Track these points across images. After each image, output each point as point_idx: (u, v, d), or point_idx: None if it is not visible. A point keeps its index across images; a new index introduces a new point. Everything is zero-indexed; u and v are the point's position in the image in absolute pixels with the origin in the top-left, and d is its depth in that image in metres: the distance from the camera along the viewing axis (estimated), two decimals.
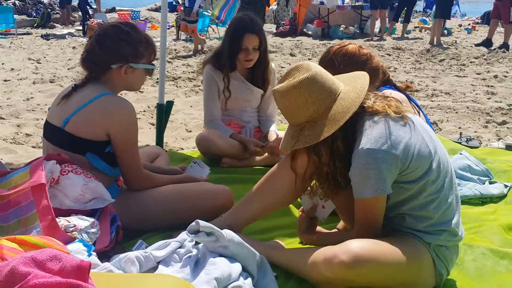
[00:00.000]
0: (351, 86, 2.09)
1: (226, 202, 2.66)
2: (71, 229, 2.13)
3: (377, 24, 15.00)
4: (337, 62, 2.67)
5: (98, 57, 2.50)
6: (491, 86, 7.51)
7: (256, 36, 3.66)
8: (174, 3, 18.58)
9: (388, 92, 2.70)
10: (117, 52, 2.49)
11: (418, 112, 2.95)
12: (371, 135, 1.98)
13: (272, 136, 3.84)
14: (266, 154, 3.74)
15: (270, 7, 17.45)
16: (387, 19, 14.63)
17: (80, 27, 14.32)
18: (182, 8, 12.26)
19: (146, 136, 4.77)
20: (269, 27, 17.04)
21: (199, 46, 11.12)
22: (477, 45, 12.15)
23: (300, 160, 2.20)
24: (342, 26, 14.36)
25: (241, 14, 3.95)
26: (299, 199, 2.47)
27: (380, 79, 2.90)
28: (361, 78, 2.14)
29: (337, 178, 2.10)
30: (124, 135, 2.48)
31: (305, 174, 2.23)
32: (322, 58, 2.80)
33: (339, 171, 2.09)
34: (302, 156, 2.16)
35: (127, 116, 2.47)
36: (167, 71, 7.51)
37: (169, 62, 9.05)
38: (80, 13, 17.17)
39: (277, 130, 3.98)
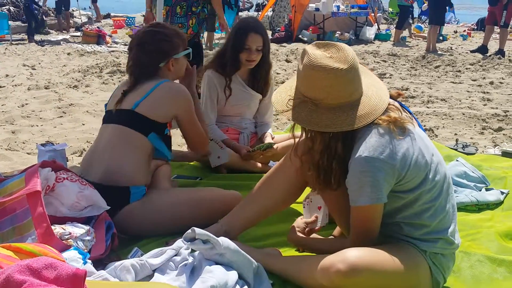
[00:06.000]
0: (373, 101, 2.08)
1: None
2: (67, 236, 2.12)
3: (372, 30, 15.03)
4: None
5: (146, 62, 2.78)
6: (487, 92, 7.53)
7: (260, 36, 3.64)
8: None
9: None
10: (160, 52, 2.79)
11: (411, 119, 2.94)
12: (370, 143, 1.97)
13: (267, 139, 3.84)
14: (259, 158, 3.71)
15: (266, 14, 17.47)
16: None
17: (77, 33, 14.27)
18: None
19: None
20: None
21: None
22: (472, 51, 12.18)
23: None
24: (337, 32, 14.37)
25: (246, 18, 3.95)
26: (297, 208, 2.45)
27: None
28: (384, 93, 2.13)
29: (329, 177, 2.10)
30: (188, 114, 2.81)
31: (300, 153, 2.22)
32: None
33: (334, 173, 2.09)
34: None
35: (188, 98, 2.80)
36: None
37: None
38: (76, 19, 17.18)
39: (273, 133, 3.97)
